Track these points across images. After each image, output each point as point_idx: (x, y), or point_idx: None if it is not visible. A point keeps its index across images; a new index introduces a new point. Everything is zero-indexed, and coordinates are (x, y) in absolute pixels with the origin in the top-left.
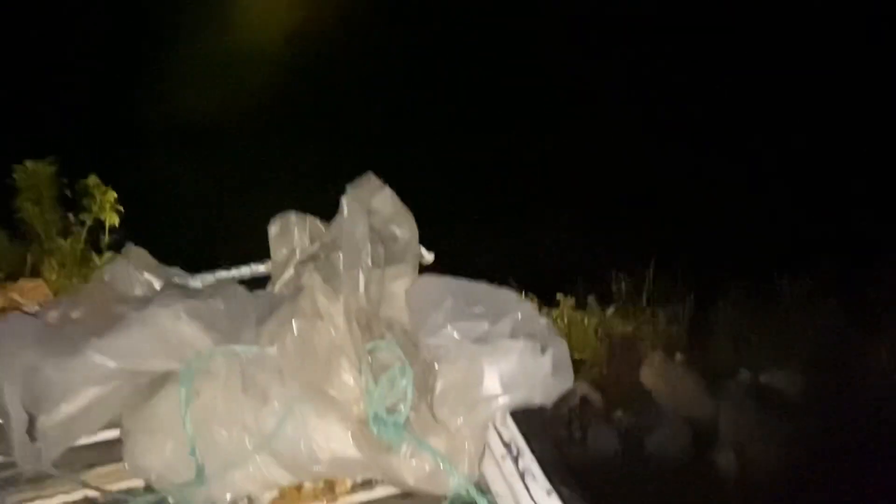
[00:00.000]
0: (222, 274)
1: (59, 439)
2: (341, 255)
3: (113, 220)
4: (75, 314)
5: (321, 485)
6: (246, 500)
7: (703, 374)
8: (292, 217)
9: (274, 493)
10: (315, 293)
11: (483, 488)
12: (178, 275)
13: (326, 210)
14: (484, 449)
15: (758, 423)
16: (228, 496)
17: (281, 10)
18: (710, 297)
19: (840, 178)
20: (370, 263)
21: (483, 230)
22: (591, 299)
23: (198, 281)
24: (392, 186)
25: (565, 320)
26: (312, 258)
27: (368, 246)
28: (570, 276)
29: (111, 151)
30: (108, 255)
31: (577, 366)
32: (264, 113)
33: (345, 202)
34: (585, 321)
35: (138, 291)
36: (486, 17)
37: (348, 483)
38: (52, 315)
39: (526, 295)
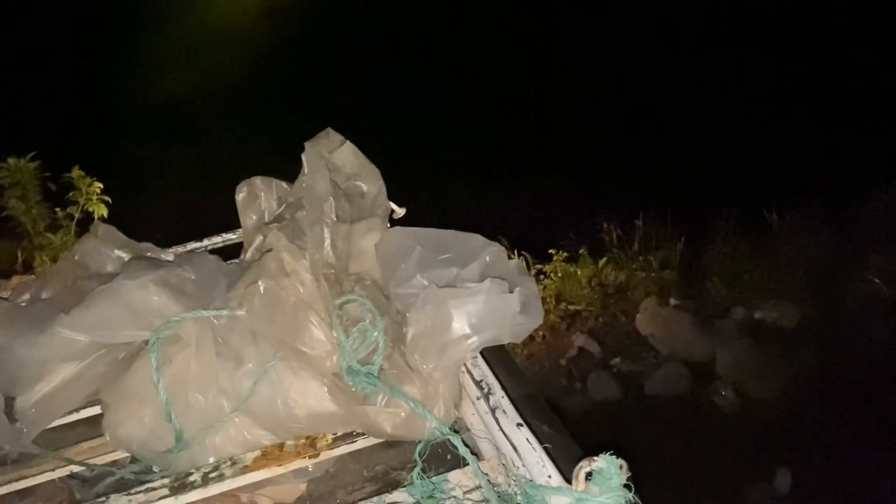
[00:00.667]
0: (194, 245)
1: (39, 418)
2: (305, 211)
3: (101, 210)
4: (45, 294)
5: (302, 441)
6: (229, 462)
7: (698, 315)
8: (257, 181)
9: (257, 454)
10: (280, 252)
11: (460, 429)
12: (149, 249)
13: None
14: (461, 391)
15: (755, 360)
16: (211, 459)
17: None
18: (700, 238)
19: (829, 112)
20: (335, 218)
21: (470, 186)
22: (582, 251)
23: (169, 254)
24: (375, 146)
25: (559, 274)
26: (279, 219)
27: (331, 201)
28: (562, 230)
29: (91, 142)
30: None
31: (573, 317)
32: (234, 90)
33: (304, 158)
34: (578, 273)
35: (109, 268)
36: None
37: (329, 437)
38: (23, 297)
39: (518, 254)
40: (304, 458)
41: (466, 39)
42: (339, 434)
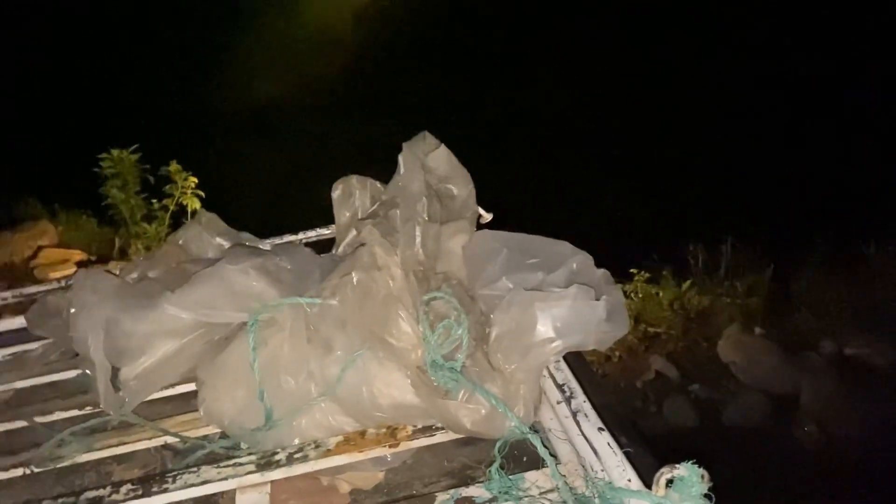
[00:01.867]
0: (289, 237)
1: (140, 389)
2: (398, 210)
3: (194, 204)
4: (152, 273)
5: (383, 431)
6: (313, 445)
7: (784, 346)
8: (353, 179)
9: (339, 439)
10: (373, 246)
11: (539, 431)
12: (248, 239)
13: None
14: (540, 395)
15: (841, 397)
16: (296, 440)
17: None
18: (791, 266)
19: None
20: (426, 217)
21: (552, 198)
22: (666, 272)
23: (266, 244)
24: (459, 152)
25: (639, 294)
26: (372, 216)
27: (424, 200)
28: (645, 250)
29: (189, 138)
30: None
31: (652, 339)
32: (323, 94)
33: (401, 159)
34: (660, 294)
35: (210, 254)
36: None
37: (409, 429)
38: (131, 276)
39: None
40: (385, 446)
41: (560, 52)
42: (419, 426)
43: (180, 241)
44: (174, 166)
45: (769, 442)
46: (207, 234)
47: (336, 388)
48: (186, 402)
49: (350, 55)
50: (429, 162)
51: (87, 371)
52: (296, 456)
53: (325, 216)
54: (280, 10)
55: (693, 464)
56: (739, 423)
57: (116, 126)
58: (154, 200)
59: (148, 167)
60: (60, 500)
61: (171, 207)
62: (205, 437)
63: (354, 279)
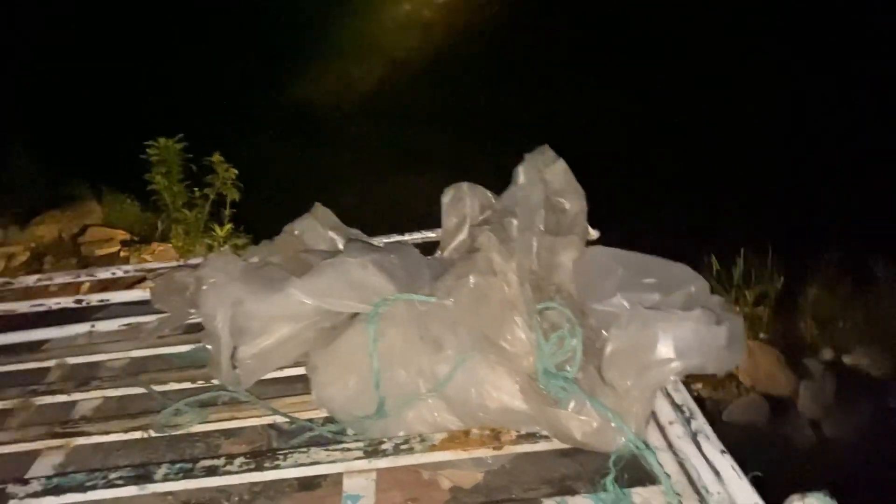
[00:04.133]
0: (396, 237)
1: (256, 369)
2: (516, 219)
3: (233, 195)
4: (273, 259)
5: (487, 432)
6: (418, 438)
7: (786, 352)
8: (464, 186)
9: (444, 435)
10: (491, 252)
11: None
12: (357, 235)
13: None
14: (651, 414)
15: (838, 402)
16: (402, 432)
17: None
18: (801, 278)
19: None
20: (542, 229)
21: None
22: None
23: (374, 241)
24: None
25: None
26: (486, 223)
27: (542, 212)
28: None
29: (234, 131)
30: (228, 226)
31: None
32: (372, 98)
33: (521, 170)
34: None
35: (323, 245)
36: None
37: (513, 433)
38: (253, 259)
39: None
40: (488, 448)
41: (600, 60)
42: (523, 432)
43: (296, 232)
44: (217, 157)
45: (765, 440)
46: (321, 227)
47: (445, 386)
48: (294, 385)
49: (397, 63)
50: (546, 174)
51: (208, 346)
52: (402, 447)
53: (348, 219)
54: (335, 13)
55: (825, 494)
56: (738, 420)
57: (164, 115)
58: (195, 189)
59: (191, 156)
60: (178, 465)
61: (212, 196)
62: (312, 420)
63: (471, 282)
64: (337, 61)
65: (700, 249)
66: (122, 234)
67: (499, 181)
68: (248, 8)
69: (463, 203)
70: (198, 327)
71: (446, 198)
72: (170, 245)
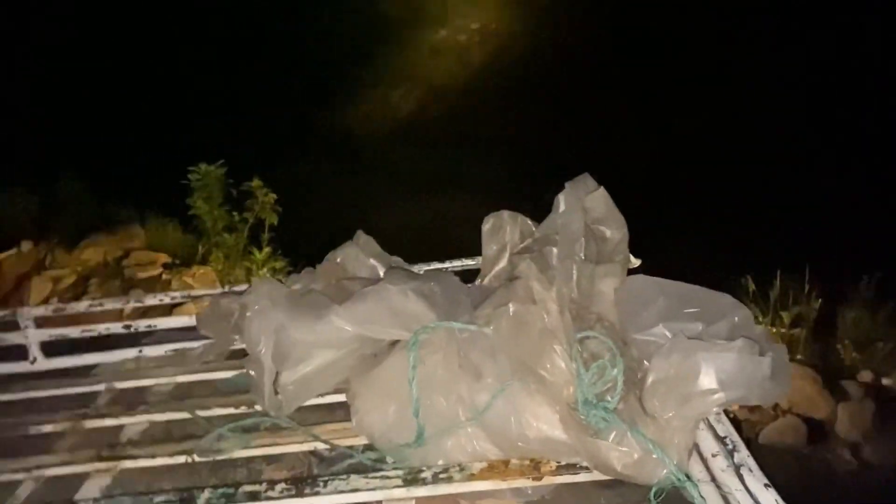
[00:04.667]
0: (436, 265)
1: (297, 395)
2: (556, 247)
3: (272, 219)
4: (315, 286)
5: (527, 462)
6: (457, 467)
7: (823, 374)
8: (504, 214)
9: (483, 465)
10: (531, 280)
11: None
12: (398, 263)
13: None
14: (693, 445)
15: (877, 425)
16: (441, 461)
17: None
18: (839, 300)
19: None
20: (583, 257)
21: None
22: None
23: (414, 269)
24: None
25: None
26: (526, 251)
27: (583, 240)
28: (697, 281)
29: (274, 157)
30: (267, 250)
31: None
32: (431, 124)
33: (562, 197)
34: None
35: (364, 273)
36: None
37: (553, 464)
38: (296, 286)
39: None
40: (528, 478)
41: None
42: (563, 463)
43: (338, 259)
44: (256, 182)
45: (803, 464)
46: (363, 255)
47: (484, 414)
48: (334, 412)
49: (435, 88)
50: (587, 202)
51: (251, 372)
52: (441, 476)
53: (385, 244)
54: (373, 39)
55: None
56: (775, 443)
57: (206, 140)
58: (235, 213)
59: (232, 181)
60: (220, 491)
61: (251, 221)
62: (352, 448)
63: (511, 310)
64: (375, 86)
65: (736, 270)
66: (163, 258)
67: (535, 207)
68: (290, 35)
69: (503, 231)
70: (242, 353)
71: (486, 225)
72: (210, 268)
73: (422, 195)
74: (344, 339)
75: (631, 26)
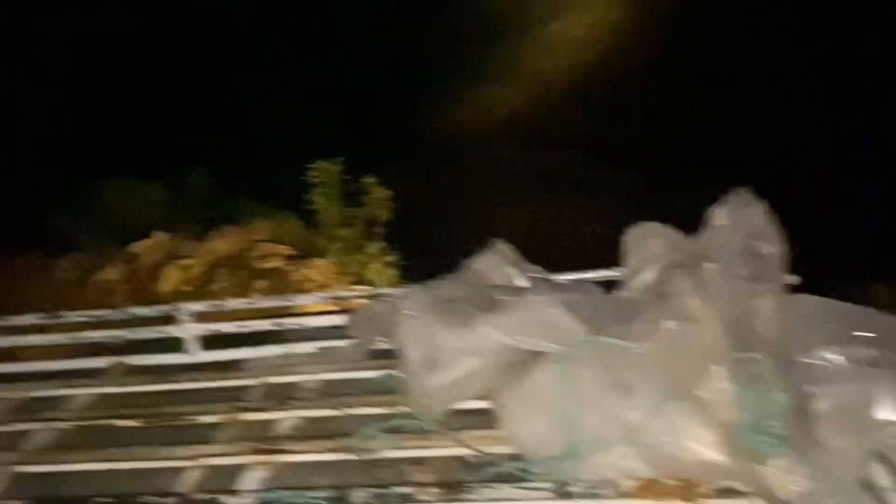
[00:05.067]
0: (574, 275)
1: (444, 400)
2: (712, 263)
3: (385, 215)
4: (459, 293)
5: (680, 484)
6: (607, 483)
7: None
8: (652, 226)
9: (633, 483)
10: (686, 297)
11: None
12: (538, 271)
13: None
14: (865, 478)
15: None
16: (588, 476)
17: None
18: None
19: None
20: (741, 274)
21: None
22: None
23: (556, 279)
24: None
25: None
26: (679, 265)
27: (740, 257)
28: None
29: (390, 156)
30: (380, 244)
31: None
32: (526, 125)
33: (718, 212)
34: None
35: (502, 281)
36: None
37: (709, 487)
38: (442, 290)
39: None
40: (682, 500)
41: None
42: (720, 487)
43: (478, 267)
44: (371, 179)
45: None
46: (503, 264)
47: (637, 433)
48: (479, 418)
49: (544, 85)
50: (744, 218)
51: (401, 374)
52: (591, 491)
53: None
54: (482, 36)
55: None
56: None
57: (324, 138)
58: (351, 209)
59: (348, 178)
60: (374, 490)
61: (366, 216)
62: (497, 456)
63: (666, 327)
64: (485, 84)
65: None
66: (286, 250)
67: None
68: (400, 35)
69: (650, 243)
70: (386, 353)
71: (632, 237)
72: (328, 261)
73: (534, 197)
74: (491, 349)
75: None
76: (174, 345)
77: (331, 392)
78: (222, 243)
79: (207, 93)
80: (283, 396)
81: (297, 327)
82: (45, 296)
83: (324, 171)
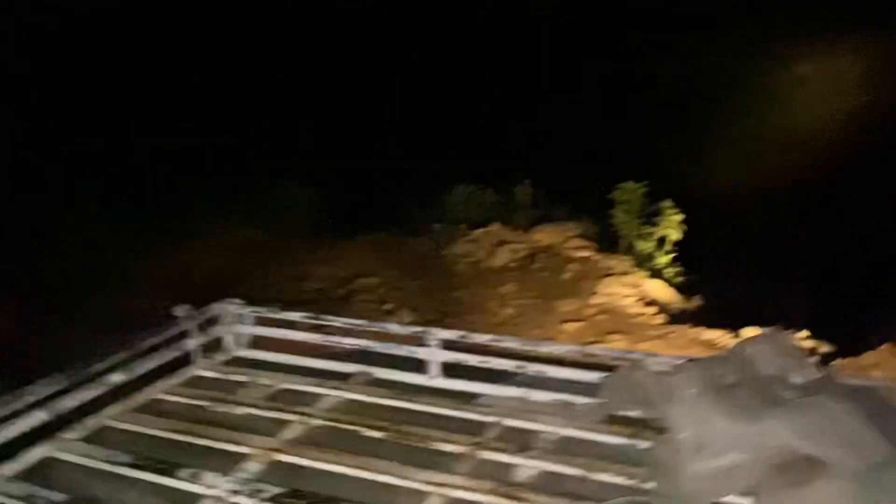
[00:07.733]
0: (859, 379)
1: (706, 489)
2: None
3: (674, 236)
4: (730, 378)
5: None
6: None
7: None
8: None
9: None
10: None
11: None
12: (812, 364)
13: None
14: None
15: None
16: None
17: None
18: None
19: None
20: None
21: None
22: None
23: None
24: None
25: None
26: None
27: None
28: None
29: (693, 184)
30: (668, 257)
31: None
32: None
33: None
34: None
35: (772, 371)
36: None
37: None
38: (715, 371)
39: None
40: None
41: None
42: None
43: (748, 350)
44: (667, 203)
45: None
46: (775, 352)
47: None
48: None
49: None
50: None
51: (653, 448)
52: None
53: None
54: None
55: None
56: None
57: (637, 163)
58: (646, 226)
59: (648, 199)
60: None
61: (657, 235)
62: None
63: None
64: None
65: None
66: (592, 246)
67: None
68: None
69: None
70: (630, 421)
71: None
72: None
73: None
74: (772, 446)
75: None
76: (417, 365)
77: (570, 449)
78: (543, 235)
79: (534, 120)
80: (520, 442)
81: (538, 374)
82: (404, 260)
83: (628, 191)
